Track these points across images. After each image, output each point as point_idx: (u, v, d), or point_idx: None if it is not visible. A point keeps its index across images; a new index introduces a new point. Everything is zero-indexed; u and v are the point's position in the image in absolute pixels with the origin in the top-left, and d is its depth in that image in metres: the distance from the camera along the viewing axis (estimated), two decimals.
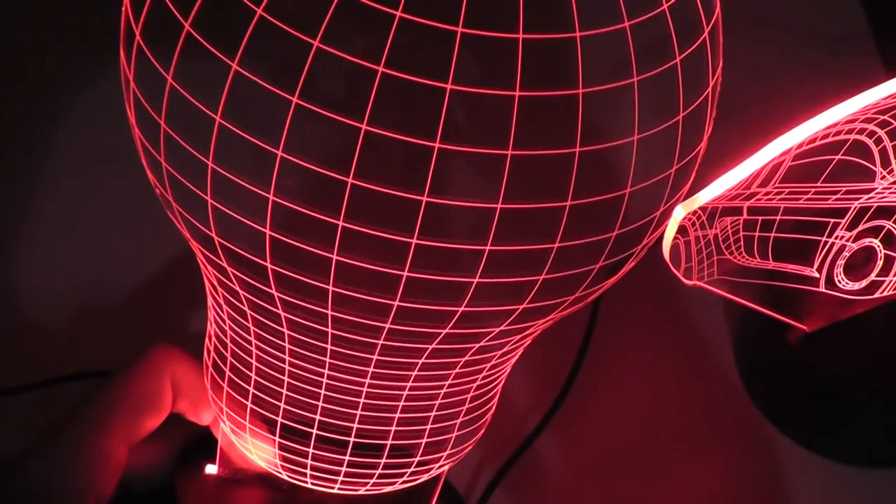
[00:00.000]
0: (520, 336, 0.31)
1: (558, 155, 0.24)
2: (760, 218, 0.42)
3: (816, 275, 0.45)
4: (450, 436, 0.34)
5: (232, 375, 0.33)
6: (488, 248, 0.25)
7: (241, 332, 0.31)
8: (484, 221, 0.24)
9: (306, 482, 0.33)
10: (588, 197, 0.25)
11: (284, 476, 0.34)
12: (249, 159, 0.24)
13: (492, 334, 0.29)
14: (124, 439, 0.35)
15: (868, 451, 0.51)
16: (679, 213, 0.36)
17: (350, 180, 0.24)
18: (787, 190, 0.40)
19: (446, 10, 0.23)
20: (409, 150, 0.23)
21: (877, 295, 0.46)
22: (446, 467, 0.35)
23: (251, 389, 0.32)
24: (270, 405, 0.32)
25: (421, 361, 0.30)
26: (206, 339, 0.35)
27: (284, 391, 0.31)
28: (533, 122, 0.24)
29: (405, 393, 0.31)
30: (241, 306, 0.29)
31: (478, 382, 0.33)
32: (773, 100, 0.62)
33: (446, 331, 0.28)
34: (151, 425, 0.36)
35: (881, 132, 0.40)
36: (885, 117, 0.40)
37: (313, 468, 0.33)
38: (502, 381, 0.35)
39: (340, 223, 0.24)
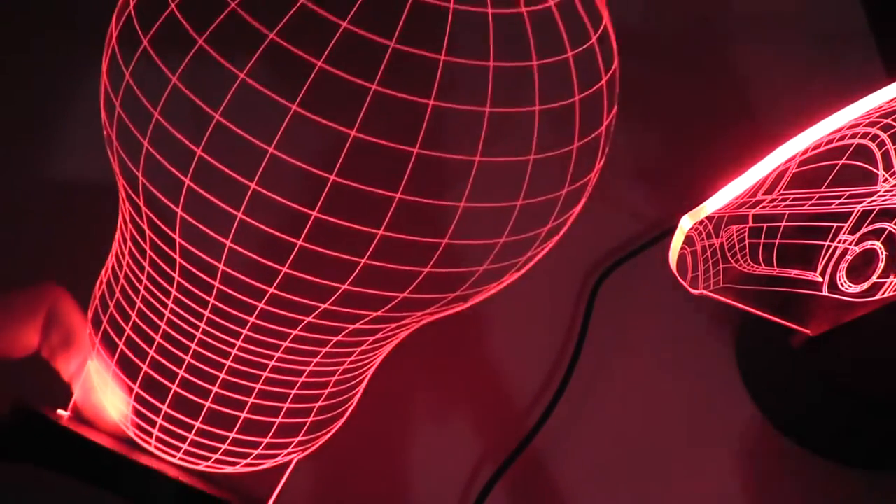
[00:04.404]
0: (395, 325, 0.31)
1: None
2: (765, 225, 0.42)
3: (819, 279, 0.45)
4: (305, 420, 0.33)
5: (115, 312, 0.32)
6: (381, 232, 0.27)
7: (136, 269, 0.31)
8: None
9: (150, 444, 0.32)
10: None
11: (131, 433, 0.32)
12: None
13: (369, 318, 0.30)
14: None
15: (869, 452, 0.51)
16: (686, 223, 0.36)
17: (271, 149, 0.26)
18: (792, 196, 0.40)
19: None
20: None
21: (878, 297, 0.46)
22: (294, 457, 0.34)
23: (127, 330, 0.32)
24: (141, 352, 0.31)
25: (294, 333, 0.30)
26: (102, 273, 0.34)
27: (157, 338, 0.31)
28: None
29: (271, 363, 0.31)
30: (144, 245, 0.30)
31: (345, 366, 0.32)
32: (773, 100, 0.62)
33: (324, 306, 0.29)
34: (13, 337, 0.33)
35: (884, 135, 0.40)
36: (888, 121, 0.40)
37: (162, 429, 0.32)
38: (368, 374, 0.35)
39: (252, 185, 0.26)
